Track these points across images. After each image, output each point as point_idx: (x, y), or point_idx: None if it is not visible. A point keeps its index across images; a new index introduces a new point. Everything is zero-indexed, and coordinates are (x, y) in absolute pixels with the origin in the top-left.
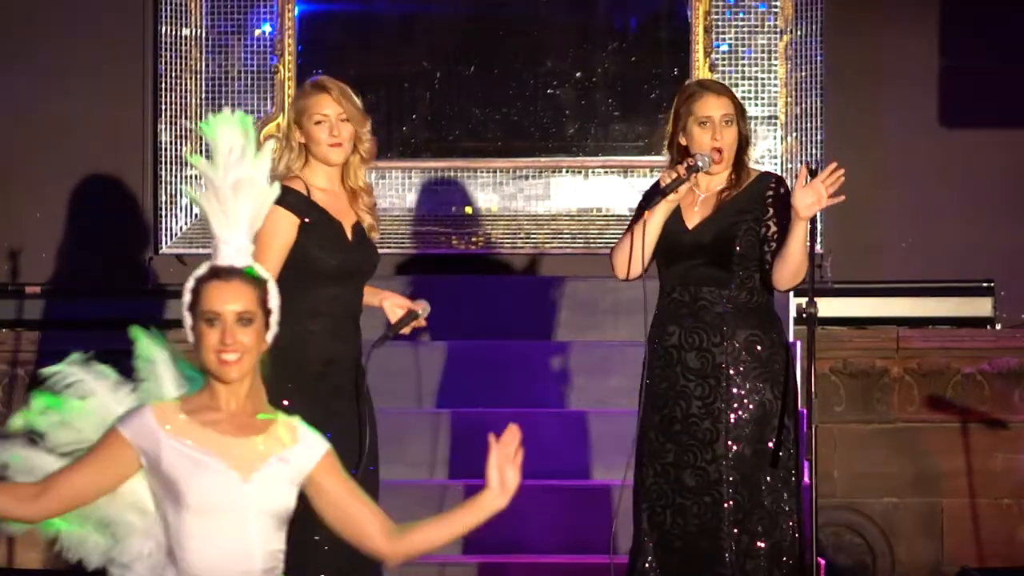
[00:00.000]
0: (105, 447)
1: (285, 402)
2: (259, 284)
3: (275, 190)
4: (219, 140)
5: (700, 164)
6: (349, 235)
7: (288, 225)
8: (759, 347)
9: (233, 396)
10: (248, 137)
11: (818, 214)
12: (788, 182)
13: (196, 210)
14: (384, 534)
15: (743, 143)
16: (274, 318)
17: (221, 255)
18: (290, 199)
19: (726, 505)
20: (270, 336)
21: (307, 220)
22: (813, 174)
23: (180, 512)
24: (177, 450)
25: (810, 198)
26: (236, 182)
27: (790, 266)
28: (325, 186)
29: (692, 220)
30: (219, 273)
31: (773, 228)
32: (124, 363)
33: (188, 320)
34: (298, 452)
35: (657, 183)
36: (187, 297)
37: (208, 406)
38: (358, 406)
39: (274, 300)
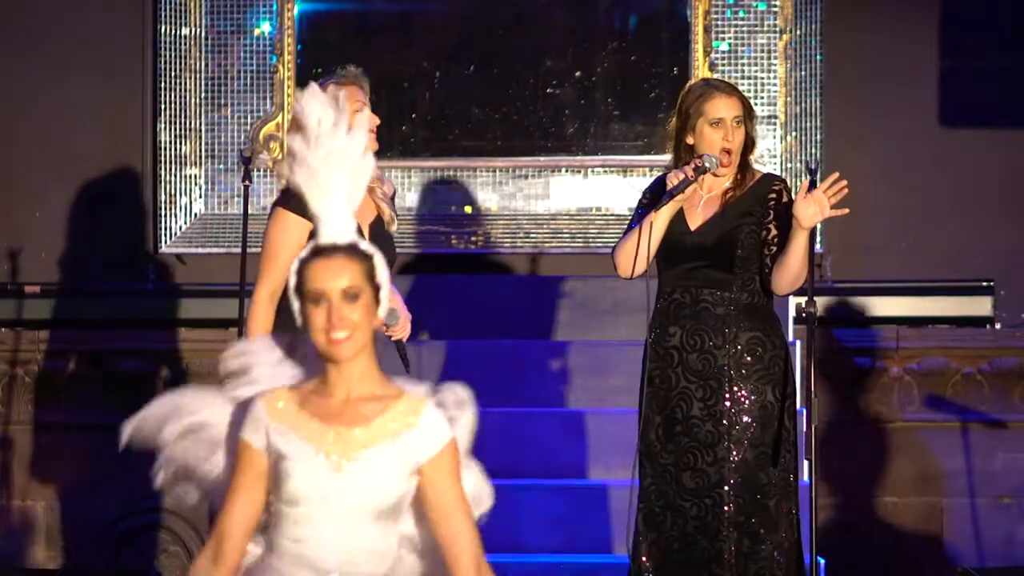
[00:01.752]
0: (242, 464)
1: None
2: (364, 258)
3: (370, 162)
4: (307, 114)
5: (708, 165)
6: (366, 232)
7: (297, 228)
8: (761, 349)
9: (344, 380)
10: (339, 108)
11: None
12: (789, 181)
13: (196, 209)
14: (472, 563)
15: (749, 144)
16: (384, 292)
17: (322, 234)
18: (299, 202)
19: (727, 507)
20: (382, 311)
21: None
22: (813, 173)
23: (278, 503)
24: (284, 441)
25: (812, 209)
26: (327, 155)
27: (790, 273)
28: None
29: (695, 221)
30: (321, 251)
31: (774, 232)
32: (124, 363)
33: (296, 303)
34: (415, 437)
35: (657, 181)
36: (292, 279)
37: (319, 391)
38: None
39: (382, 273)
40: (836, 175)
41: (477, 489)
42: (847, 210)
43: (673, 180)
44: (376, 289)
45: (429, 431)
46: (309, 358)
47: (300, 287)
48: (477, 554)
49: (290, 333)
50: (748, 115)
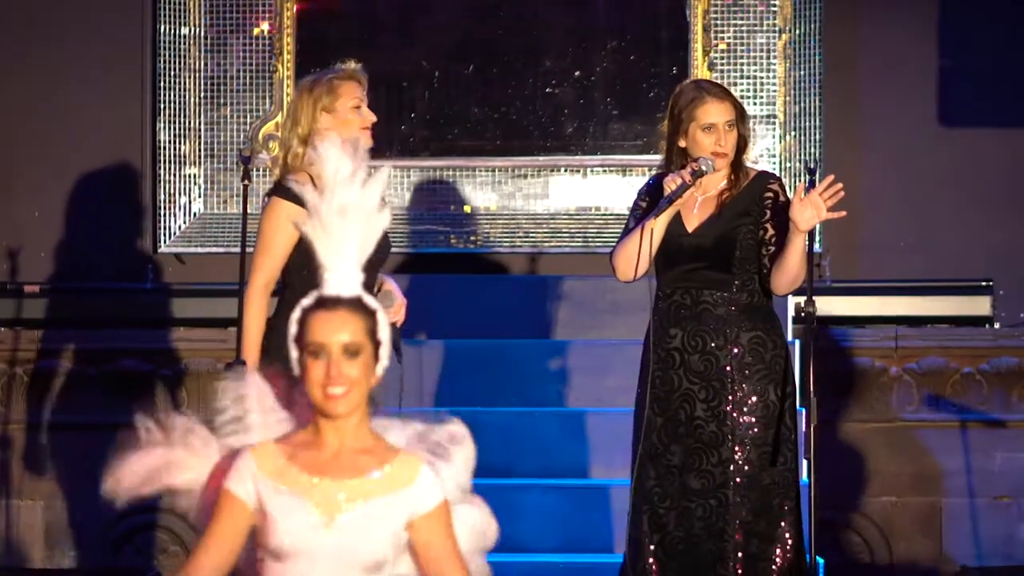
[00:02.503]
0: (223, 512)
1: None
2: (368, 314)
3: (385, 217)
4: (326, 162)
5: (704, 169)
6: None
7: (290, 216)
8: (762, 349)
9: (337, 433)
10: (357, 160)
11: None
12: (788, 181)
13: (195, 209)
14: None
15: (742, 145)
16: (384, 350)
17: (327, 284)
18: (293, 193)
19: (732, 507)
20: (379, 369)
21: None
22: (812, 172)
23: (267, 558)
24: (272, 494)
25: (809, 212)
26: (343, 207)
27: (788, 274)
28: None
29: (692, 223)
30: (325, 303)
31: (771, 231)
32: (123, 362)
33: (294, 352)
34: (408, 496)
35: (652, 182)
36: (293, 328)
37: (311, 443)
38: None
39: (384, 331)
40: (831, 178)
41: (482, 524)
42: (844, 212)
43: (671, 185)
44: (377, 345)
45: (422, 492)
46: (300, 402)
47: (300, 338)
48: None
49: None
50: (740, 117)
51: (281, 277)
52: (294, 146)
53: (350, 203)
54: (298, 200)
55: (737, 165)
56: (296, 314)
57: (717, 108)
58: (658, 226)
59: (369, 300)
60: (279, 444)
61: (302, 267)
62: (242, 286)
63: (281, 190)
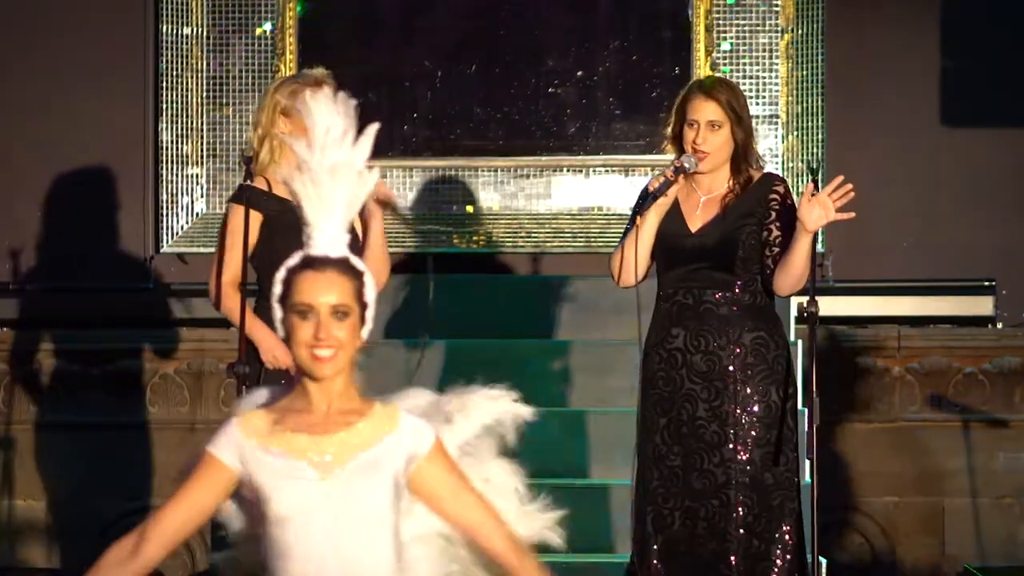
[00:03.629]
0: (201, 473)
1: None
2: (355, 275)
3: (374, 176)
4: (316, 121)
5: (687, 165)
6: None
7: (244, 221)
8: (764, 349)
9: (325, 395)
10: (349, 119)
11: None
12: (790, 181)
13: (197, 208)
14: (506, 540)
15: (741, 148)
16: (370, 312)
17: (314, 243)
18: (247, 196)
19: (735, 508)
20: (365, 332)
21: (266, 212)
22: (814, 172)
23: (272, 525)
24: (263, 461)
25: (817, 212)
26: (333, 166)
27: (792, 275)
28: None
29: (695, 223)
30: (312, 263)
31: (776, 232)
32: (125, 362)
33: (279, 312)
34: (394, 441)
35: (647, 186)
36: (277, 288)
37: (298, 408)
38: None
39: (371, 292)
40: (840, 178)
41: (513, 479)
42: (853, 214)
43: (654, 183)
44: (363, 308)
45: (408, 435)
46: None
47: (286, 298)
48: (507, 530)
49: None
50: (734, 119)
51: (257, 283)
52: (254, 144)
53: (340, 162)
54: (253, 204)
55: (736, 170)
56: (281, 274)
57: (699, 106)
58: (646, 225)
59: (356, 261)
60: (265, 411)
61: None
62: (244, 287)
63: (236, 195)
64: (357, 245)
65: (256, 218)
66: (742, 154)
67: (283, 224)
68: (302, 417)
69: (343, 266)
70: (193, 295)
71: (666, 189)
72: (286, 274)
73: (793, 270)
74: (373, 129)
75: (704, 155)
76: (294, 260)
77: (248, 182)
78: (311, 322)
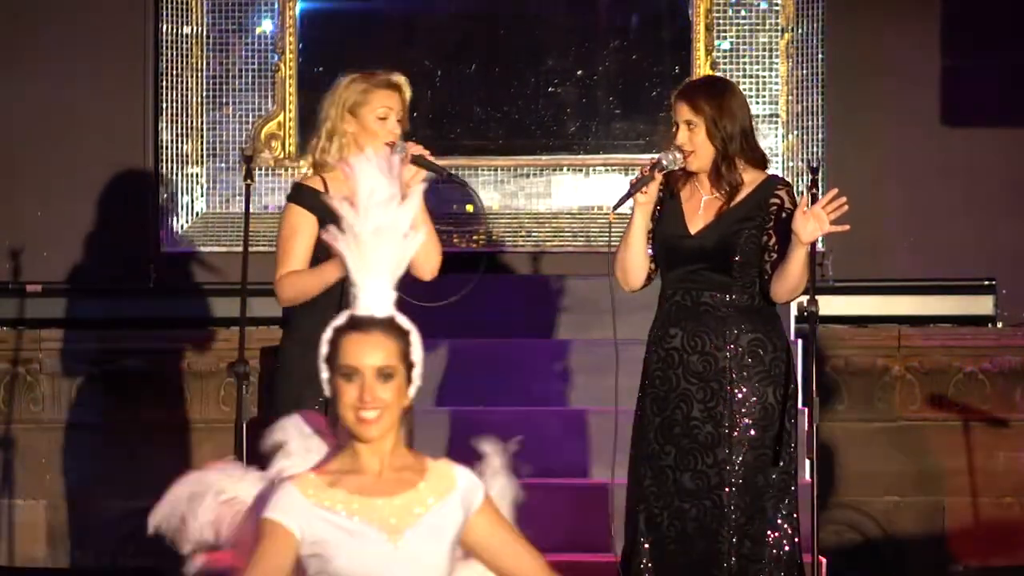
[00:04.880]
0: (268, 541)
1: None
2: (401, 335)
3: (419, 237)
4: (360, 181)
5: (664, 162)
6: None
7: (306, 222)
8: (762, 350)
9: (376, 455)
10: (393, 178)
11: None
12: (791, 180)
13: (197, 208)
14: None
15: (721, 151)
16: (417, 371)
17: (360, 303)
18: (303, 196)
19: (727, 509)
20: (412, 391)
21: (321, 215)
22: (814, 172)
23: None
24: (327, 520)
25: (812, 225)
26: (377, 228)
27: (788, 284)
28: None
29: (695, 225)
30: (358, 324)
31: (774, 238)
32: (125, 362)
33: (325, 373)
34: (454, 500)
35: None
36: (324, 348)
37: (351, 469)
38: None
39: (417, 352)
40: (835, 191)
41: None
42: (847, 227)
43: (634, 180)
44: (410, 368)
45: (466, 491)
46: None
47: (332, 359)
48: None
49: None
50: (710, 119)
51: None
52: (321, 138)
53: (385, 224)
54: (309, 206)
55: (716, 168)
56: (328, 334)
57: (676, 106)
58: (635, 227)
59: (402, 320)
60: (318, 473)
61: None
62: (244, 286)
63: (293, 194)
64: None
65: (310, 221)
66: (722, 158)
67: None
68: (357, 479)
69: (389, 327)
70: (193, 294)
71: (642, 186)
72: (333, 335)
73: (789, 279)
74: (418, 191)
75: (688, 153)
76: (340, 320)
77: (305, 178)
78: (356, 384)
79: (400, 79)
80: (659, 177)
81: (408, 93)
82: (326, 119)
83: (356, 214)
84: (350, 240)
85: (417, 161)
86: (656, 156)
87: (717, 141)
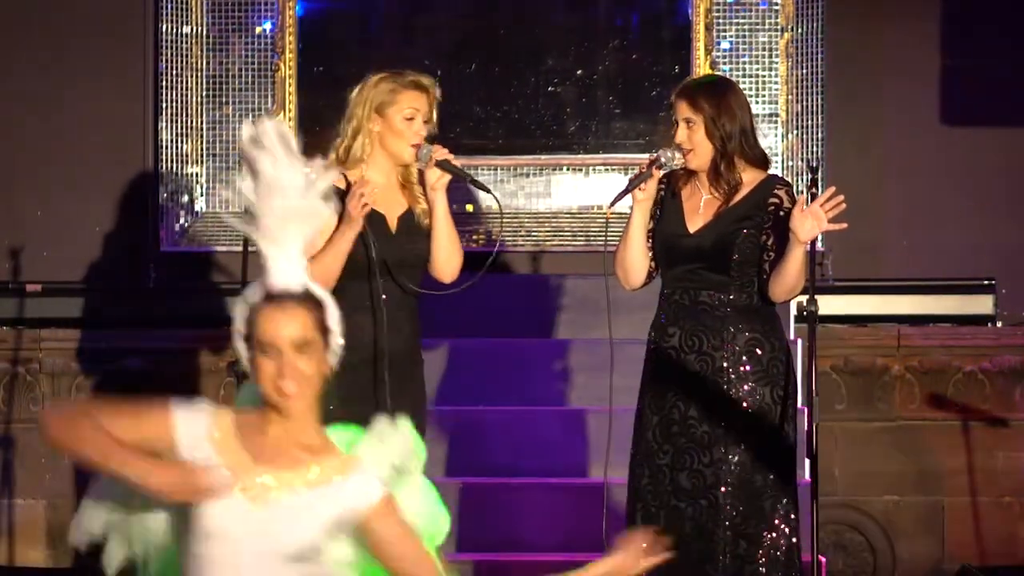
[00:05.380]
0: (152, 412)
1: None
2: (316, 305)
3: (332, 210)
4: (264, 162)
5: (663, 160)
6: (393, 226)
7: (330, 220)
8: (759, 350)
9: (283, 426)
10: (292, 151)
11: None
12: (790, 179)
13: (197, 207)
14: None
15: (720, 151)
16: (335, 338)
17: (271, 276)
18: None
19: (724, 509)
20: (332, 358)
21: (341, 212)
22: (814, 171)
23: (190, 535)
24: (206, 464)
25: (809, 223)
26: (284, 198)
27: (786, 284)
28: (375, 178)
29: (694, 224)
30: (272, 298)
31: (772, 237)
32: (125, 361)
33: (243, 350)
34: (343, 491)
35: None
36: (241, 325)
37: (257, 427)
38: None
39: (333, 319)
40: (832, 189)
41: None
42: (845, 224)
43: (633, 177)
44: (327, 335)
45: (358, 486)
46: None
47: (249, 336)
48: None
49: None
50: (709, 119)
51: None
52: (347, 136)
53: (293, 208)
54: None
55: (715, 166)
56: (242, 310)
57: (676, 103)
58: (634, 224)
59: (316, 290)
60: (235, 416)
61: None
62: (244, 285)
63: None
64: (426, 235)
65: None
66: (720, 157)
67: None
68: (258, 438)
69: (303, 298)
70: (193, 294)
71: (640, 183)
72: (248, 311)
73: (787, 279)
74: (326, 172)
75: (687, 151)
76: (254, 296)
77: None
78: (275, 359)
79: (429, 81)
80: (657, 174)
81: (436, 95)
82: (352, 117)
83: (262, 185)
84: (256, 217)
85: (441, 165)
86: (655, 153)
87: (716, 140)
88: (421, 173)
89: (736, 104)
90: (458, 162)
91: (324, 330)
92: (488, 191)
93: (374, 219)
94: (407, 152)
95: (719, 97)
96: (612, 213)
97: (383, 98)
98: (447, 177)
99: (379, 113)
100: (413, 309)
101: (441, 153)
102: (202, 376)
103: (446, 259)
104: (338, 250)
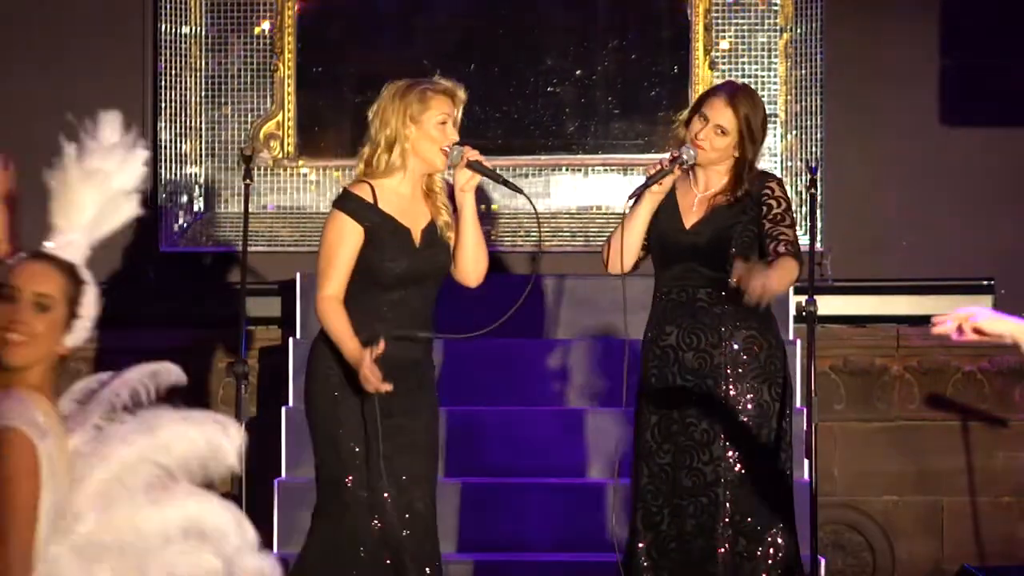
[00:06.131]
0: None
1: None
2: (75, 280)
3: (134, 207)
4: (99, 132)
5: (684, 156)
6: (417, 239)
7: (352, 231)
8: (756, 348)
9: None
10: (125, 138)
11: (819, 212)
12: (789, 180)
13: (196, 208)
14: None
15: (745, 163)
16: (81, 323)
17: (51, 242)
18: (351, 205)
19: (723, 506)
20: (70, 340)
21: (367, 225)
22: (813, 171)
23: None
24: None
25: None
26: (90, 171)
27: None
28: (403, 189)
29: (690, 220)
30: (37, 255)
31: (769, 227)
32: (124, 362)
33: None
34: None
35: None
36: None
37: None
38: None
39: (86, 307)
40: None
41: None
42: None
43: (651, 170)
44: (73, 316)
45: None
46: None
47: (3, 284)
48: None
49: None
50: (744, 134)
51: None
52: (380, 146)
53: (99, 170)
54: (356, 216)
55: (737, 178)
56: (11, 260)
57: (717, 107)
58: (640, 209)
59: (82, 272)
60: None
61: (366, 286)
62: (244, 285)
63: (341, 201)
64: (446, 247)
65: (356, 231)
66: (744, 168)
67: (379, 238)
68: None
69: (65, 267)
70: (192, 294)
71: (660, 177)
72: (15, 261)
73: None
74: (140, 154)
75: (701, 148)
76: (28, 255)
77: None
78: (12, 306)
79: (458, 86)
80: (678, 172)
81: (463, 100)
82: (385, 126)
83: (77, 155)
84: (61, 177)
85: (472, 166)
86: (678, 151)
87: (745, 154)
88: (447, 183)
89: (763, 123)
90: (489, 163)
91: (72, 305)
92: (520, 191)
93: (399, 233)
94: (440, 158)
95: (757, 114)
96: (610, 213)
97: (416, 105)
98: (477, 178)
99: (413, 121)
100: (428, 318)
101: (473, 154)
102: (202, 376)
103: (474, 264)
104: (343, 346)
